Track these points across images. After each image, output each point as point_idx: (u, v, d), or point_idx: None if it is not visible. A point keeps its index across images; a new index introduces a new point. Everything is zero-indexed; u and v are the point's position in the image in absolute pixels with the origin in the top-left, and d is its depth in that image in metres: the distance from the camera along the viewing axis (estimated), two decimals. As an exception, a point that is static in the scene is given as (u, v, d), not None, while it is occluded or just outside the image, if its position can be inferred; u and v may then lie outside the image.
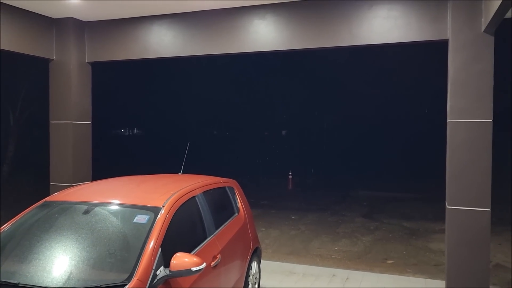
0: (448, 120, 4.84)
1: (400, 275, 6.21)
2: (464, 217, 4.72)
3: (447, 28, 4.84)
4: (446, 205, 4.86)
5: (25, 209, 3.57)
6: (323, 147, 25.69)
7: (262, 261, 5.43)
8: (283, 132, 29.38)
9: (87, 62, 6.64)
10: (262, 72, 25.73)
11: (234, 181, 5.13)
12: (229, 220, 4.41)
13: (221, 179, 4.75)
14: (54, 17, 6.42)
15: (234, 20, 5.76)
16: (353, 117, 25.58)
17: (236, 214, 4.70)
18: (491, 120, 4.64)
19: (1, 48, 5.67)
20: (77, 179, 6.43)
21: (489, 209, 4.64)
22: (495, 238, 7.85)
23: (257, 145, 26.67)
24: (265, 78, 26.20)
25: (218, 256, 3.68)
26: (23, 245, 3.09)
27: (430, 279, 5.93)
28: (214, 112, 27.89)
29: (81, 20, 6.52)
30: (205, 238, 3.67)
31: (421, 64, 21.01)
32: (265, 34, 5.65)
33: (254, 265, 4.82)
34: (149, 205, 3.29)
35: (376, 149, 23.14)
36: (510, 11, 4.15)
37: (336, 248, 7.89)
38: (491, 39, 4.62)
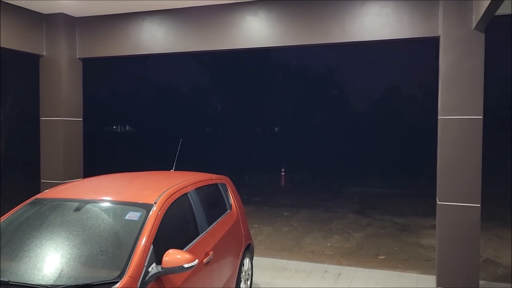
0: (439, 117, 4.87)
1: (392, 270, 6.25)
2: (454, 213, 4.76)
3: (439, 25, 4.87)
4: (437, 201, 4.90)
5: (16, 206, 3.54)
6: (316, 144, 25.74)
7: (254, 257, 5.44)
8: (276, 129, 29.38)
9: (78, 58, 6.59)
10: (255, 68, 25.70)
11: (227, 177, 5.12)
12: (222, 216, 4.41)
13: (213, 176, 4.75)
14: (44, 12, 6.35)
15: (226, 16, 5.74)
16: (345, 114, 25.69)
17: (229, 210, 4.70)
18: (481, 117, 4.68)
19: (-10, 44, 5.61)
20: (68, 176, 6.38)
21: (479, 205, 4.69)
22: (485, 233, 7.94)
23: (249, 142, 26.66)
24: (258, 74, 26.17)
25: (211, 252, 3.68)
26: (13, 243, 3.06)
27: (421, 274, 5.99)
28: (206, 109, 27.82)
29: (71, 16, 6.46)
30: (198, 234, 3.66)
31: (412, 61, 21.12)
32: (257, 31, 5.64)
33: (246, 261, 4.83)
34: (141, 202, 3.28)
35: (368, 146, 23.25)
36: (500, 8, 4.18)
37: (329, 244, 7.93)
38: (482, 36, 4.65)
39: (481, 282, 5.04)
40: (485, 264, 6.61)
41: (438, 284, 4.87)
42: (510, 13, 4.96)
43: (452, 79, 4.76)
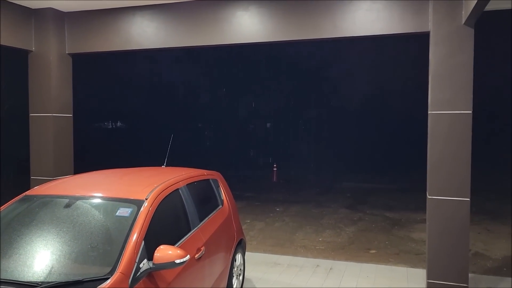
0: (429, 112, 4.90)
1: (383, 264, 6.30)
2: (444, 207, 4.81)
3: (429, 21, 4.89)
4: (427, 195, 4.94)
5: (5, 203, 3.50)
6: (308, 140, 25.81)
7: (246, 252, 5.45)
8: (268, 125, 29.39)
9: (68, 53, 6.52)
10: (247, 64, 25.65)
11: (218, 173, 5.12)
12: (213, 212, 4.41)
13: (205, 172, 4.74)
14: (33, 7, 6.27)
15: (217, 11, 5.72)
16: (337, 109, 25.77)
17: (220, 206, 4.70)
18: (470, 112, 4.72)
19: (-22, 39, 5.53)
20: (59, 172, 6.33)
21: (468, 199, 4.74)
22: (474, 227, 8.04)
23: (242, 138, 26.65)
24: (250, 71, 26.12)
25: (202, 248, 3.68)
26: (3, 240, 3.03)
27: (411, 268, 6.05)
28: (199, 106, 27.73)
29: (60, 11, 6.39)
30: (189, 230, 3.66)
31: (403, 56, 21.22)
32: (248, 26, 5.62)
33: (238, 257, 4.84)
34: (132, 198, 3.26)
35: (359, 141, 23.36)
36: (500, 4, 4.20)
37: (320, 239, 7.97)
38: (471, 31, 4.69)
39: (470, 275, 5.11)
40: (474, 257, 6.69)
41: (428, 277, 4.93)
42: (511, 8, 4.99)
43: (441, 74, 4.79)
